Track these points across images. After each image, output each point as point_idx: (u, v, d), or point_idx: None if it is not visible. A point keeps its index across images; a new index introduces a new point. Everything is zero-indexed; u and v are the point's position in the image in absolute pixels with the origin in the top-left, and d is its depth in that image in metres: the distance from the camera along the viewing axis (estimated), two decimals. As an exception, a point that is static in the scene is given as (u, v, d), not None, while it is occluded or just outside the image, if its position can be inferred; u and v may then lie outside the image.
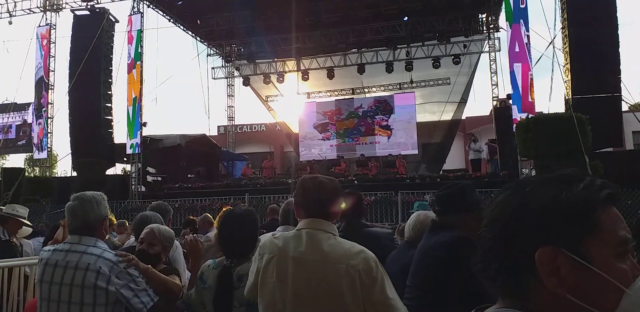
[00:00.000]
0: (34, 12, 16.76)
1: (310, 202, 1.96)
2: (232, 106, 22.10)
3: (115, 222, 5.60)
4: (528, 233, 0.72)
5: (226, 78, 21.51)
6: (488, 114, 20.03)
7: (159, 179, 16.30)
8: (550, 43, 10.55)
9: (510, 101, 12.97)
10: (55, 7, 16.53)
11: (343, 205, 3.10)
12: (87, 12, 15.74)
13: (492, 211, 0.78)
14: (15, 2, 16.76)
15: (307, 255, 1.86)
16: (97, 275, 2.16)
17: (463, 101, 19.07)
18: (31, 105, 18.26)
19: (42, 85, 16.27)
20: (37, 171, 17.33)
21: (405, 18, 16.77)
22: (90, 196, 2.38)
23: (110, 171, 15.56)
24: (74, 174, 15.17)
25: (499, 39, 17.75)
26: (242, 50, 20.04)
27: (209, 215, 6.09)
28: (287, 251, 1.89)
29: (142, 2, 15.42)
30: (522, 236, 0.72)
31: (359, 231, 3.09)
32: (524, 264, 0.71)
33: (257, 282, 1.93)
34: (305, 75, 19.39)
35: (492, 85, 17.80)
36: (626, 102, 11.08)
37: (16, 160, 34.17)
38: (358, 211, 3.27)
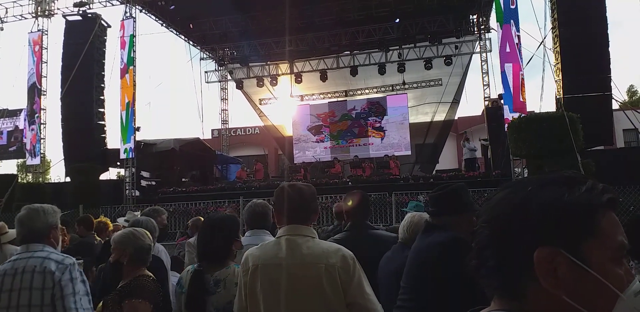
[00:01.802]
0: (26, 18, 16.67)
1: (291, 209, 2.02)
2: (226, 110, 22.07)
3: (112, 226, 5.61)
4: (528, 232, 0.71)
5: (219, 82, 21.48)
6: (480, 114, 20.14)
7: (153, 183, 16.25)
8: (541, 43, 10.66)
9: (502, 101, 13.06)
10: (47, 12, 16.45)
11: (350, 203, 3.17)
12: (79, 18, 15.68)
13: (492, 208, 0.78)
14: (6, 8, 16.67)
15: (287, 260, 1.92)
16: (44, 276, 2.20)
17: (455, 102, 19.15)
18: (23, 111, 18.17)
19: (35, 91, 16.19)
20: (30, 176, 17.23)
21: (397, 20, 16.84)
22: (38, 205, 2.45)
23: (104, 176, 15.50)
24: (68, 179, 15.10)
25: (490, 39, 17.85)
26: (235, 53, 20.05)
27: (201, 218, 5.99)
28: (269, 259, 1.95)
29: (134, 7, 15.40)
30: (522, 235, 0.72)
31: (364, 232, 3.09)
32: (521, 263, 0.71)
33: (245, 295, 1.97)
34: (298, 78, 19.42)
35: (484, 85, 17.88)
36: (616, 101, 11.19)
37: (8, 166, 33.98)
38: (364, 212, 3.25)
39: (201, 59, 20.14)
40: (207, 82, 20.85)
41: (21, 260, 2.29)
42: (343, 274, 1.88)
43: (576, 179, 0.76)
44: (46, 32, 16.57)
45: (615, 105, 11.53)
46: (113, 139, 15.50)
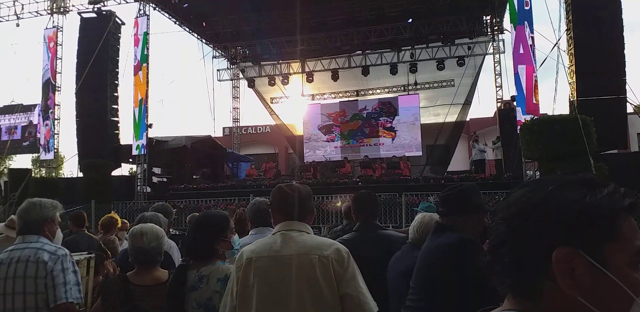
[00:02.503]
0: (41, 15, 16.85)
1: (288, 207, 2.06)
2: (237, 108, 22.17)
3: (120, 223, 5.66)
4: (547, 231, 0.72)
5: (231, 80, 21.58)
6: (492, 115, 20.00)
7: (165, 180, 16.37)
8: (555, 45, 10.55)
9: (515, 103, 12.97)
10: (62, 9, 16.62)
11: (357, 203, 3.16)
12: (93, 15, 15.82)
13: (510, 205, 0.78)
14: (22, 5, 16.86)
15: (281, 252, 1.94)
16: (37, 265, 2.33)
17: (467, 103, 19.04)
18: (37, 106, 18.39)
19: (49, 87, 16.37)
20: (44, 171, 17.43)
21: (410, 20, 16.79)
22: (37, 199, 2.58)
23: (116, 172, 15.64)
24: (80, 174, 15.26)
25: (503, 40, 17.75)
26: (247, 52, 20.14)
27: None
28: (263, 252, 1.97)
29: (148, 5, 15.51)
30: (540, 233, 0.72)
31: (373, 232, 3.09)
32: (537, 262, 0.72)
33: (236, 292, 1.96)
34: (309, 77, 19.44)
35: (497, 87, 17.79)
36: (631, 104, 11.04)
37: (23, 161, 34.44)
38: (373, 212, 3.25)
39: (213, 57, 20.25)
40: (219, 80, 20.97)
41: (17, 250, 2.43)
42: (337, 265, 1.89)
43: (597, 182, 0.76)
44: (61, 29, 16.75)
45: (629, 109, 11.40)
46: (126, 136, 15.66)
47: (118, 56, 15.86)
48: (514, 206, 0.77)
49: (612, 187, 0.75)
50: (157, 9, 16.35)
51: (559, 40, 10.60)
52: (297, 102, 21.43)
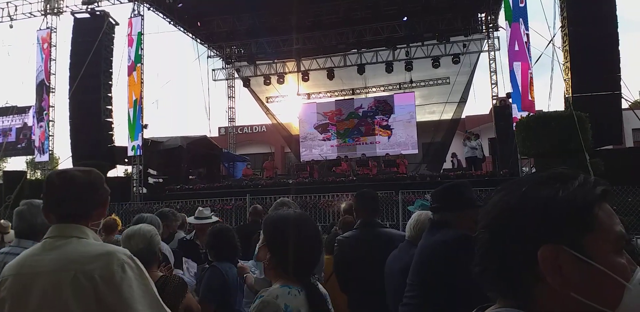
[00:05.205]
0: (35, 16, 16.77)
1: (56, 203, 1.58)
2: (233, 107, 22.12)
3: (120, 225, 5.61)
4: (528, 232, 0.72)
5: (226, 79, 21.52)
6: (488, 112, 20.03)
7: (161, 180, 16.32)
8: (550, 42, 10.57)
9: (510, 100, 12.99)
10: (55, 10, 16.55)
11: (358, 201, 3.16)
12: (87, 15, 15.74)
13: (489, 212, 0.78)
14: (16, 6, 16.78)
15: (36, 268, 1.48)
16: None
17: (463, 100, 19.07)
18: (32, 108, 18.31)
19: (43, 88, 16.30)
20: (39, 173, 17.37)
21: (405, 18, 16.78)
22: (39, 202, 2.50)
23: (111, 173, 15.57)
24: (76, 176, 15.18)
25: (498, 38, 17.75)
26: (242, 51, 20.08)
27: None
28: (21, 268, 1.52)
29: (142, 5, 15.45)
30: (522, 235, 0.72)
31: (373, 230, 3.13)
32: (523, 264, 0.72)
33: None
34: (305, 76, 19.40)
35: (492, 84, 17.79)
36: (626, 100, 11.07)
37: (17, 163, 34.35)
38: (373, 210, 3.28)
39: (208, 56, 20.19)
40: (214, 80, 20.91)
41: (11, 255, 2.38)
42: (103, 285, 1.38)
43: (567, 175, 0.76)
44: (55, 30, 16.66)
45: (624, 105, 11.43)
46: (121, 136, 15.59)
47: (112, 57, 15.78)
48: (492, 213, 0.78)
49: (582, 177, 0.76)
50: (151, 9, 16.28)
51: (553, 37, 10.63)
52: (292, 101, 21.42)
